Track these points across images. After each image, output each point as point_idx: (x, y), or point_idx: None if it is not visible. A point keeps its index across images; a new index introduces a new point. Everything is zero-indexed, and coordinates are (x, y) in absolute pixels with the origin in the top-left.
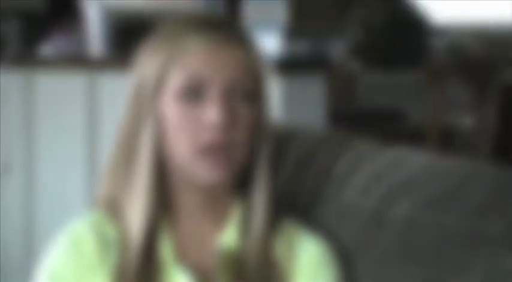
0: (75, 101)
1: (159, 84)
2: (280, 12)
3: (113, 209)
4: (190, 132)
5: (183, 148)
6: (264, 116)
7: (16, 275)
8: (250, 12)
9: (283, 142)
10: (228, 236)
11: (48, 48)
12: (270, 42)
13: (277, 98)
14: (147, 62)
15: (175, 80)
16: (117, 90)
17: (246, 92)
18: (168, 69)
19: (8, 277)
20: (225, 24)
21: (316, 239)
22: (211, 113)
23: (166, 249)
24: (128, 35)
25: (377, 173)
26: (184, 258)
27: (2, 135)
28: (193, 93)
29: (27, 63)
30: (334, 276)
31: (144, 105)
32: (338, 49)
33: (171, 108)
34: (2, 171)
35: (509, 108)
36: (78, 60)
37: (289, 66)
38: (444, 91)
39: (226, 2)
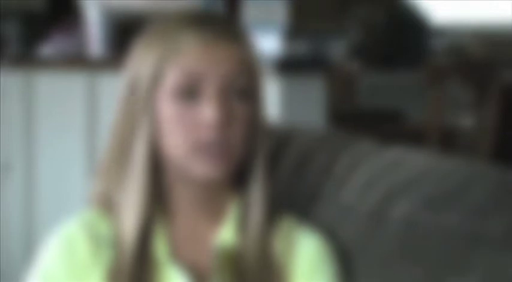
0: (75, 101)
1: (154, 83)
2: (280, 12)
3: (108, 207)
4: (186, 130)
5: (179, 146)
6: (260, 113)
7: (16, 274)
8: (250, 12)
9: (282, 142)
10: (225, 234)
11: (48, 48)
12: (269, 42)
13: (277, 98)
14: (141, 60)
15: (171, 78)
16: (117, 90)
17: (242, 89)
18: (163, 67)
19: (8, 277)
20: (219, 21)
21: (315, 235)
22: (208, 112)
23: (161, 248)
24: (128, 35)
25: (377, 173)
26: (180, 257)
27: (2, 135)
28: (189, 90)
29: (27, 63)
30: (333, 273)
31: (138, 103)
32: (338, 49)
33: (166, 106)
34: (2, 171)
35: (509, 108)
36: (78, 60)
37: (289, 66)
38: (444, 91)
39: (226, 2)
